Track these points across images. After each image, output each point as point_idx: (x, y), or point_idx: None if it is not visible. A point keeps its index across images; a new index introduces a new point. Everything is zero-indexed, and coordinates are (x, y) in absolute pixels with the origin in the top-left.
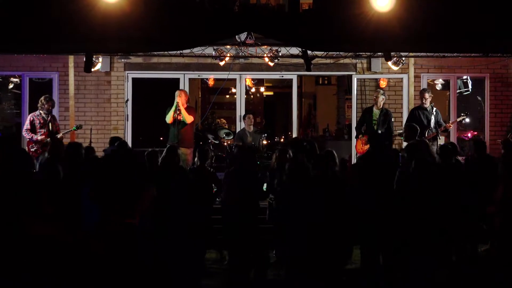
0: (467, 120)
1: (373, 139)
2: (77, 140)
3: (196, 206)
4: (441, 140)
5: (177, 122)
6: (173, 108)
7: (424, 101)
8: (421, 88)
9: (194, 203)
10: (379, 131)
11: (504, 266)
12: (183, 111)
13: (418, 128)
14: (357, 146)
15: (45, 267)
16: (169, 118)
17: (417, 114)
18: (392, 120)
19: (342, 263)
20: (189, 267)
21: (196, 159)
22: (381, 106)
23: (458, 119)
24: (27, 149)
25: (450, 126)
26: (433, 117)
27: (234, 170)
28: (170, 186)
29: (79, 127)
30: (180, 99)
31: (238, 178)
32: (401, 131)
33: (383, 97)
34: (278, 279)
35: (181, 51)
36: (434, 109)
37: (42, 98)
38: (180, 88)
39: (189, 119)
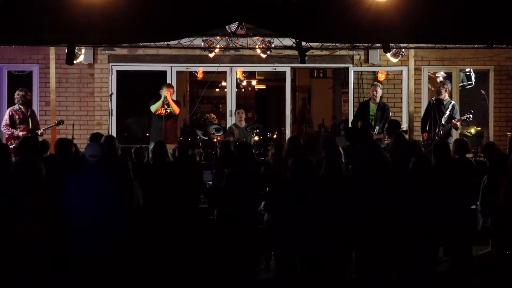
0: (471, 119)
1: (350, 136)
2: (59, 136)
3: (191, 204)
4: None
5: (164, 116)
6: (160, 102)
7: (441, 94)
8: (439, 80)
9: (189, 201)
10: (377, 127)
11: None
12: (172, 103)
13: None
14: None
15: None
16: (154, 108)
17: (432, 106)
18: (390, 114)
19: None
20: (185, 266)
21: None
22: (378, 100)
23: (463, 118)
24: None
25: (457, 123)
26: (448, 112)
27: (232, 171)
28: (164, 183)
29: (60, 122)
30: (168, 93)
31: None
32: (402, 127)
33: (381, 90)
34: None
35: (168, 42)
36: (452, 103)
37: (18, 91)
38: (168, 81)
39: (177, 110)
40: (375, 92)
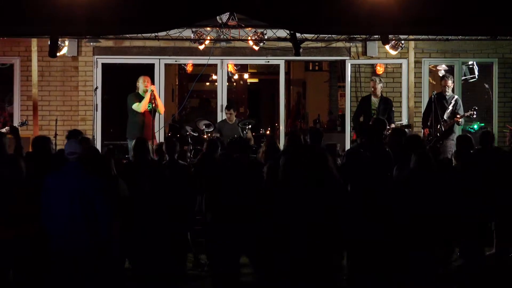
0: (475, 116)
1: (362, 131)
2: (41, 132)
3: (176, 206)
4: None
5: (152, 112)
6: (148, 96)
7: (447, 88)
8: (442, 74)
9: (173, 202)
10: None
11: None
12: (159, 100)
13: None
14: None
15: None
16: (142, 107)
17: (434, 101)
18: (393, 109)
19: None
20: (169, 271)
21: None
22: (380, 94)
23: (466, 114)
24: None
25: (459, 119)
26: (450, 107)
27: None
28: (149, 183)
29: (24, 123)
30: (153, 87)
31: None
32: (402, 122)
33: (381, 84)
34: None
35: (156, 34)
36: (455, 97)
37: None
38: (156, 74)
39: (163, 109)
40: (376, 88)
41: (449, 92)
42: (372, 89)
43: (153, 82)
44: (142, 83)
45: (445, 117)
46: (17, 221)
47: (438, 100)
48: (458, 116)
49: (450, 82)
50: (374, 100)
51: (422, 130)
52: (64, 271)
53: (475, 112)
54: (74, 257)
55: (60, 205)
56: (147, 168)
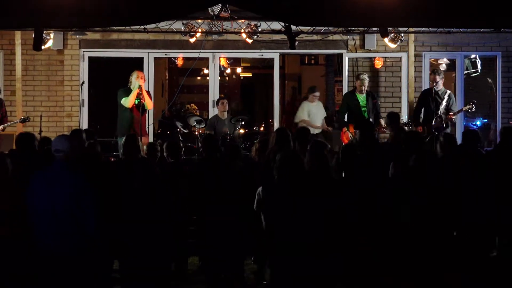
0: (474, 109)
1: (363, 126)
2: (25, 129)
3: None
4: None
5: (140, 108)
6: (135, 92)
7: (435, 84)
8: (432, 69)
9: (166, 202)
10: (370, 119)
11: None
12: (146, 96)
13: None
14: (343, 137)
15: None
16: (129, 102)
17: (427, 97)
18: (379, 103)
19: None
20: (159, 271)
21: (165, 155)
22: (365, 91)
23: (464, 108)
24: None
25: (452, 116)
26: (444, 103)
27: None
28: (141, 181)
29: (26, 119)
30: (142, 82)
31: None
32: (402, 119)
33: (368, 80)
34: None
35: (145, 26)
36: (448, 93)
37: None
38: (145, 68)
39: (151, 105)
40: (364, 85)
41: (440, 87)
42: (362, 87)
43: None
44: (135, 79)
45: (439, 112)
46: (12, 220)
47: (431, 96)
48: (451, 113)
49: (438, 78)
50: (361, 97)
51: (415, 128)
52: (51, 271)
53: (473, 106)
54: (61, 257)
55: (47, 204)
56: (138, 166)
